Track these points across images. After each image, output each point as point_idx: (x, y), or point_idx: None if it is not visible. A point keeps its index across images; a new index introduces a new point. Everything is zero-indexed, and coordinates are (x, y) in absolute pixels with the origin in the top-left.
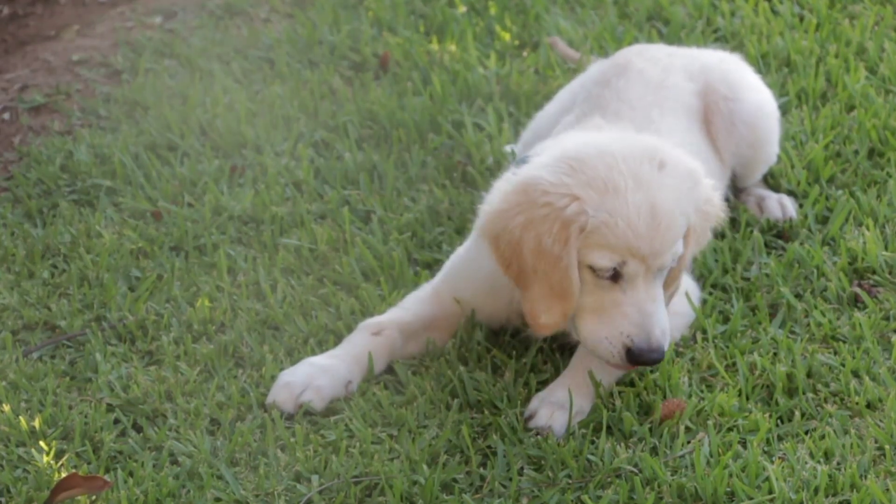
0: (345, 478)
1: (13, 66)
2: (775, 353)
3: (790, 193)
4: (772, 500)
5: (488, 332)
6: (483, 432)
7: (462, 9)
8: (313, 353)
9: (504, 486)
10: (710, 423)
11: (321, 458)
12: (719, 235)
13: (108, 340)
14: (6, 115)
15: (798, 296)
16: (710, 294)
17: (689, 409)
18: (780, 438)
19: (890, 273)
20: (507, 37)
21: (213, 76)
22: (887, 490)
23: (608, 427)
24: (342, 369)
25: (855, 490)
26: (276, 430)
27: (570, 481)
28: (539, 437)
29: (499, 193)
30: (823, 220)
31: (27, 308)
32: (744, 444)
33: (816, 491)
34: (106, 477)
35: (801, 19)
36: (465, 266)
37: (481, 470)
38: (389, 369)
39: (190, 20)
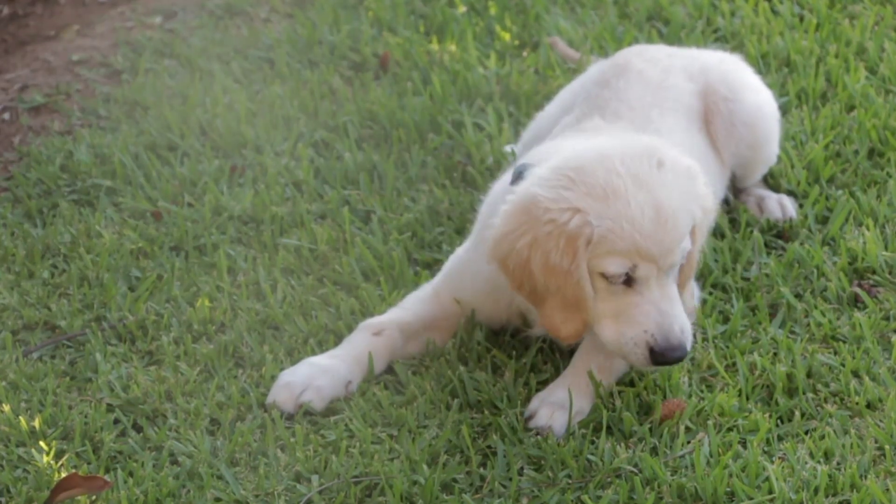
0: (345, 478)
1: (13, 66)
2: (775, 353)
3: (790, 193)
4: (772, 500)
5: (488, 332)
6: (483, 432)
7: (462, 9)
8: (313, 353)
9: (504, 486)
10: (710, 423)
11: (321, 458)
12: (719, 235)
13: (108, 340)
14: (6, 115)
15: (798, 296)
16: (710, 294)
17: (689, 409)
18: (780, 438)
19: (890, 273)
20: (507, 37)
21: (213, 76)
22: (887, 490)
23: (608, 427)
24: (342, 369)
25: (855, 490)
26: (276, 430)
27: (570, 481)
28: (539, 437)
29: (501, 216)
30: (823, 220)
31: (27, 308)
32: (744, 444)
33: (816, 491)
34: (106, 477)
35: (801, 19)
36: (465, 267)
37: (481, 470)
38: (389, 369)
39: (190, 20)
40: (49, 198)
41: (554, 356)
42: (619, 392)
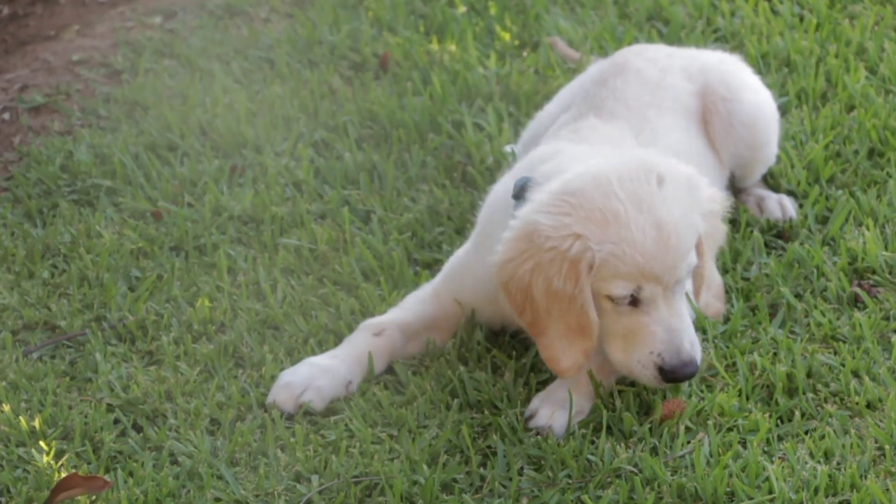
0: (345, 478)
1: (13, 66)
2: (775, 353)
3: (790, 193)
4: (772, 500)
5: (488, 332)
6: (483, 432)
7: (462, 9)
8: (313, 353)
9: (504, 486)
10: (710, 423)
11: (321, 458)
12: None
13: (108, 340)
14: (6, 115)
15: (798, 296)
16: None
17: (689, 409)
18: (780, 438)
19: (890, 273)
20: (507, 37)
21: (213, 76)
22: (887, 490)
23: (608, 427)
24: (342, 370)
25: (855, 490)
26: (276, 430)
27: (570, 481)
28: (539, 437)
29: (504, 242)
30: (823, 220)
31: (27, 308)
32: (744, 444)
33: (816, 491)
34: (106, 477)
35: (801, 19)
36: (465, 269)
37: (481, 470)
38: (389, 369)
39: (190, 20)
40: (49, 198)
41: None
42: (619, 392)
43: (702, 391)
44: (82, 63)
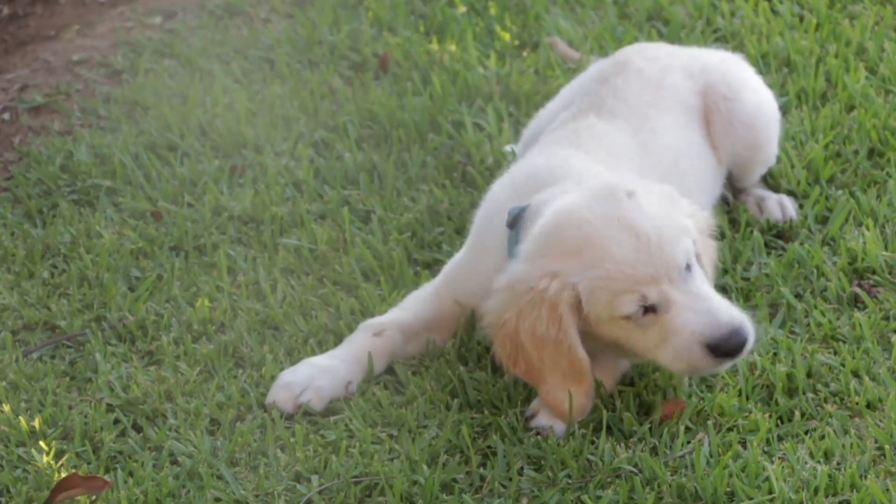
0: (345, 478)
1: (13, 66)
2: (775, 353)
3: (790, 193)
4: (772, 500)
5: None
6: (483, 432)
7: (462, 9)
8: (313, 353)
9: (504, 486)
10: (710, 423)
11: (321, 458)
12: (719, 235)
13: (108, 340)
14: (6, 115)
15: (798, 296)
16: None
17: (689, 409)
18: (780, 438)
19: (890, 273)
20: (507, 37)
21: (213, 76)
22: (887, 490)
23: (608, 427)
24: (342, 370)
25: (855, 490)
26: (276, 430)
27: (570, 481)
28: (539, 437)
29: (493, 294)
30: (823, 220)
31: (27, 308)
32: (744, 444)
33: (816, 491)
34: (106, 477)
35: (801, 19)
36: (464, 271)
37: (481, 470)
38: (389, 369)
39: (190, 20)
40: (49, 198)
41: None
42: (619, 392)
43: (702, 391)
44: (82, 63)
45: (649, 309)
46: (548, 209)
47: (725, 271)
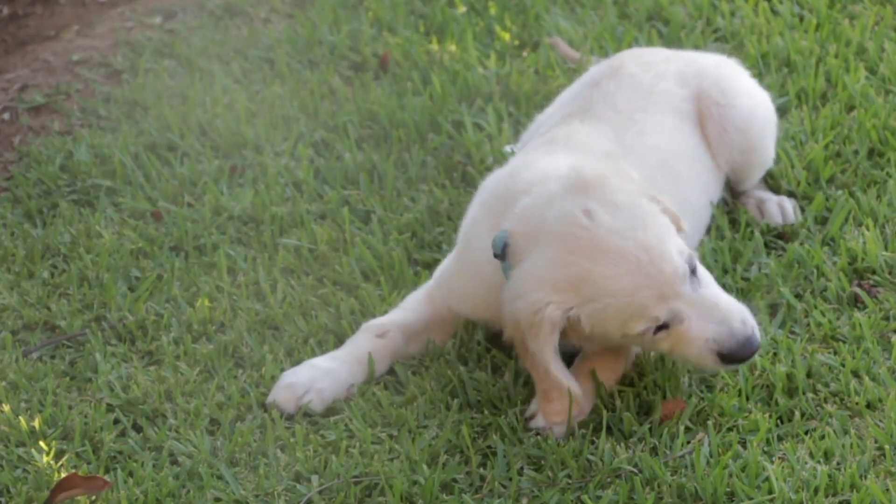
0: (345, 478)
1: (13, 66)
2: (775, 353)
3: (790, 194)
4: (772, 500)
5: (488, 333)
6: (483, 432)
7: (462, 9)
8: (313, 353)
9: (504, 486)
10: (710, 423)
11: (321, 458)
12: (719, 236)
13: (108, 340)
14: (6, 115)
15: (798, 296)
16: None
17: (689, 409)
18: (780, 438)
19: (890, 273)
20: (507, 37)
21: (213, 76)
22: (887, 490)
23: (608, 427)
24: (344, 372)
25: (855, 490)
26: (276, 430)
27: (570, 481)
28: (539, 437)
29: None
30: (823, 221)
31: (27, 308)
32: (744, 444)
33: (816, 491)
34: (106, 477)
35: (801, 19)
36: (452, 277)
37: (481, 470)
38: (389, 369)
39: (190, 20)
40: (49, 198)
41: None
42: (619, 392)
43: (702, 391)
44: (82, 63)
45: (661, 326)
46: (527, 241)
47: (725, 271)
